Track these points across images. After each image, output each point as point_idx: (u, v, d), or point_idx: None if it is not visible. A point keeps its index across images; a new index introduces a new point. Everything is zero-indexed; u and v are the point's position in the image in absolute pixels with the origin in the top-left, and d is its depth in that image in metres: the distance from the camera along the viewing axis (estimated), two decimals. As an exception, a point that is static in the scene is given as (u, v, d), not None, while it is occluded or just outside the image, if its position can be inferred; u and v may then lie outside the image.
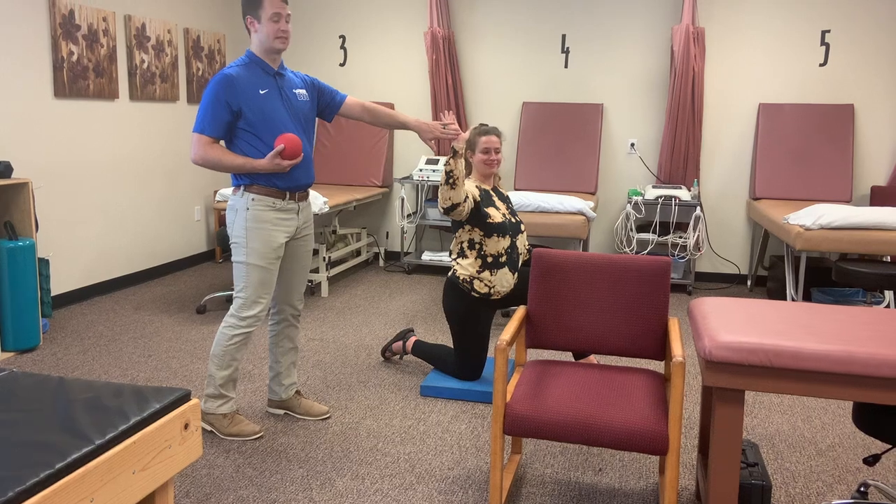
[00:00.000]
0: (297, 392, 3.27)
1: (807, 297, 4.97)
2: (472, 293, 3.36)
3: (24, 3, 4.40)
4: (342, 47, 6.41)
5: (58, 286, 4.75)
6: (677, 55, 5.58)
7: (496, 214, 3.31)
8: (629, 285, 2.67)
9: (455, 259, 3.42)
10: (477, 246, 3.32)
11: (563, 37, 6.03)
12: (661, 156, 5.88)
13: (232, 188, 2.98)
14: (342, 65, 6.43)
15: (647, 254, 5.63)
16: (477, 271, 3.34)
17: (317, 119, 5.93)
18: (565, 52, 6.06)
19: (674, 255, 5.62)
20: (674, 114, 5.70)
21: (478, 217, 3.27)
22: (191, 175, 6.07)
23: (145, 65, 5.45)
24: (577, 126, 6.01)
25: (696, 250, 5.58)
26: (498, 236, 3.30)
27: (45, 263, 4.19)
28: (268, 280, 2.94)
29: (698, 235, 5.56)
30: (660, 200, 5.49)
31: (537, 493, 2.65)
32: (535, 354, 4.05)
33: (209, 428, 3.03)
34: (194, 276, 5.78)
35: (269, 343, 3.21)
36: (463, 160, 3.01)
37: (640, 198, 5.54)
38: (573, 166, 5.94)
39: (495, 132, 3.36)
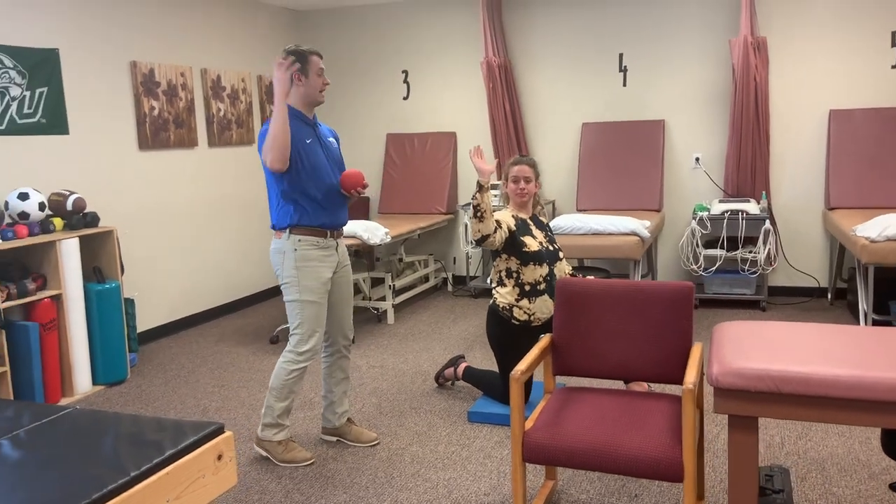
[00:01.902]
0: (349, 420, 3.44)
1: (883, 311, 4.74)
2: (513, 320, 3.44)
3: (108, 66, 4.86)
4: (405, 81, 6.65)
5: (145, 322, 5.16)
6: (737, 67, 5.47)
7: (532, 243, 3.39)
8: (652, 311, 2.69)
9: (495, 287, 3.51)
10: (514, 274, 3.41)
11: (620, 56, 6.03)
12: (726, 169, 5.76)
13: (275, 232, 3.18)
14: (405, 98, 6.67)
15: (716, 270, 5.52)
16: (515, 299, 3.42)
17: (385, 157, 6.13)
18: (623, 70, 6.05)
19: (744, 271, 5.48)
20: (737, 126, 5.58)
21: (513, 246, 3.36)
22: (265, 213, 6.43)
23: (221, 113, 5.86)
24: (639, 144, 5.97)
25: (767, 265, 5.42)
26: (535, 265, 3.38)
27: (130, 303, 4.58)
28: (321, 314, 3.15)
29: (769, 249, 5.40)
30: (726, 215, 5.38)
31: (568, 519, 2.70)
32: (575, 381, 4.07)
33: (265, 454, 3.24)
34: (269, 309, 6.11)
35: (323, 374, 3.40)
36: (489, 194, 3.11)
37: (705, 213, 5.45)
38: (636, 184, 5.90)
39: (527, 162, 3.45)
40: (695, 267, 5.56)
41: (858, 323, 4.73)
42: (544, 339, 2.77)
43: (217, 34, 5.84)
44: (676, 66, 5.88)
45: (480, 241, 3.20)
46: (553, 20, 6.16)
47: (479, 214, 3.11)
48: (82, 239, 4.30)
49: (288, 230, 3.11)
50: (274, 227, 3.17)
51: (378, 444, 3.39)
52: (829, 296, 5.64)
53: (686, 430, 2.24)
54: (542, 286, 3.40)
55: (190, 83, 5.53)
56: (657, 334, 2.68)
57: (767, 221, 5.34)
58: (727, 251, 5.47)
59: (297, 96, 3.10)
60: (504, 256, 3.41)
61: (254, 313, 5.96)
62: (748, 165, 5.66)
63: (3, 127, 4.16)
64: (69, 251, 4.09)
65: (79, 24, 4.65)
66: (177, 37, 5.44)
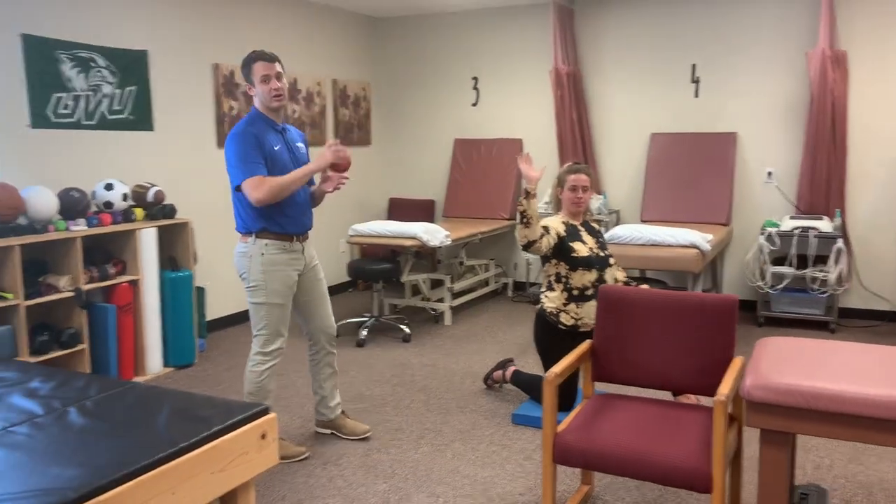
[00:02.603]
0: (343, 413, 3.54)
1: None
2: (560, 325, 3.48)
3: (193, 68, 5.15)
4: (475, 88, 6.75)
5: (215, 311, 5.43)
6: (813, 80, 5.33)
7: (582, 249, 3.42)
8: (694, 322, 2.69)
9: (544, 292, 3.56)
10: (563, 279, 3.45)
11: (693, 66, 5.96)
12: (800, 185, 5.61)
13: (241, 236, 3.20)
14: (474, 105, 6.77)
15: (784, 289, 5.37)
16: (563, 304, 3.46)
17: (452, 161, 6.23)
18: (695, 81, 5.97)
19: (813, 290, 5.32)
20: (812, 141, 5.43)
21: (562, 251, 3.40)
22: (337, 210, 6.65)
23: (296, 115, 6.10)
24: (709, 156, 5.88)
25: (838, 285, 5.24)
26: (583, 270, 3.41)
27: (201, 291, 4.84)
28: (286, 315, 3.24)
29: (841, 269, 5.23)
30: (796, 232, 5.24)
31: (599, 524, 2.72)
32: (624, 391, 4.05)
33: None
34: (334, 304, 6.29)
35: (311, 371, 3.49)
36: (535, 200, 3.17)
37: (774, 229, 5.32)
38: (704, 197, 5.82)
39: (585, 171, 3.48)
40: (761, 284, 5.43)
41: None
42: (584, 345, 2.81)
43: (295, 39, 6.09)
44: (751, 78, 5.77)
45: (527, 247, 3.26)
46: (625, 30, 6.14)
47: (524, 220, 3.18)
48: (160, 229, 4.58)
49: (254, 235, 3.14)
50: (239, 231, 3.20)
51: (369, 435, 3.47)
52: (904, 320, 5.41)
53: (716, 442, 2.24)
54: (591, 291, 3.43)
55: (268, 85, 5.78)
56: (699, 346, 2.68)
57: (840, 240, 5.18)
58: (796, 269, 5.33)
59: (258, 102, 3.14)
60: (553, 261, 3.46)
61: (318, 308, 6.16)
62: (822, 182, 5.49)
63: (94, 122, 4.48)
64: (147, 240, 4.36)
65: (167, 28, 4.95)
66: (257, 41, 5.70)
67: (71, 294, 3.96)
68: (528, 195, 3.15)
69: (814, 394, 2.05)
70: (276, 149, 3.12)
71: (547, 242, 3.30)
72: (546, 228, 3.34)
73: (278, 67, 3.11)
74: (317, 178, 3.36)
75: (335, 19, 6.56)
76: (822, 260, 5.36)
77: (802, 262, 5.38)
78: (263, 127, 3.11)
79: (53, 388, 2.56)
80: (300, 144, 3.31)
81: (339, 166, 3.19)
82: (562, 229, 3.41)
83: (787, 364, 2.22)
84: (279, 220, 3.15)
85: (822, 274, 5.26)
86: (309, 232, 3.34)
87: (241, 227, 3.20)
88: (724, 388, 2.32)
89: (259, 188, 3.00)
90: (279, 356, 3.26)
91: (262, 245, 3.14)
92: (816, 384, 2.07)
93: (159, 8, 4.89)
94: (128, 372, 4.31)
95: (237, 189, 3.10)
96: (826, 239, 5.22)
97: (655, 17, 6.02)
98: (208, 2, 5.25)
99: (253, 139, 3.04)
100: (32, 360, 3.80)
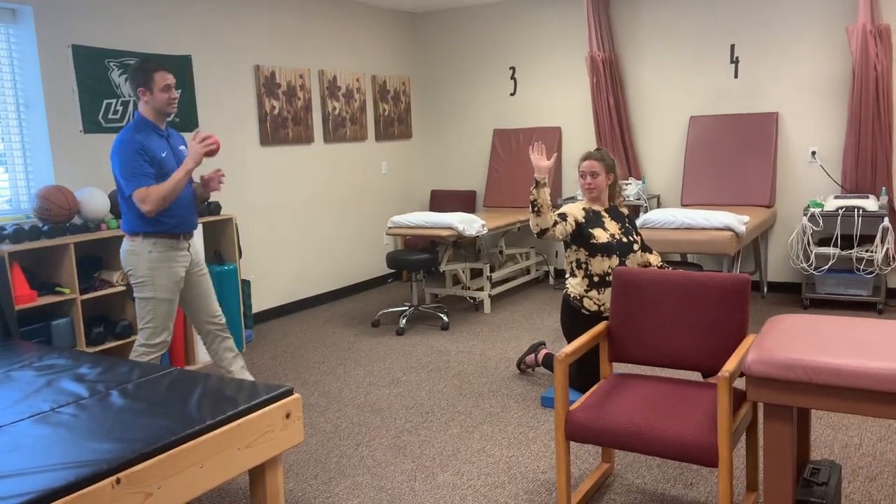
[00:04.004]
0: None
1: None
2: (583, 310, 3.53)
3: (234, 70, 5.37)
4: (512, 78, 6.80)
5: (262, 304, 5.65)
6: (855, 56, 5.20)
7: (602, 235, 3.46)
8: (708, 302, 2.72)
9: (567, 278, 3.62)
10: (583, 265, 3.50)
11: (732, 47, 5.87)
12: (844, 164, 5.48)
13: (128, 236, 3.31)
14: (512, 94, 6.82)
15: (829, 270, 5.28)
16: (585, 290, 3.51)
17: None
18: (734, 62, 5.89)
19: (859, 271, 5.21)
20: (856, 118, 5.30)
21: (581, 237, 3.45)
22: (380, 203, 6.81)
23: (336, 111, 6.28)
24: (750, 137, 5.80)
25: (885, 265, 5.12)
26: (602, 256, 3.45)
27: (247, 284, 5.05)
28: (172, 310, 3.36)
29: (888, 248, 5.10)
30: (840, 212, 5.14)
31: (617, 501, 2.78)
32: (641, 370, 4.07)
33: None
34: (378, 295, 6.48)
35: (215, 361, 3.57)
36: (546, 189, 3.23)
37: (817, 209, 5.23)
38: (745, 179, 5.74)
39: (596, 157, 3.51)
40: (805, 265, 5.34)
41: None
42: (599, 326, 2.86)
43: (335, 37, 6.26)
44: (791, 56, 5.66)
45: (540, 234, 3.33)
46: (661, 12, 6.09)
47: (535, 209, 3.25)
48: (206, 224, 4.80)
49: (141, 235, 3.26)
50: (126, 231, 3.31)
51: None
52: (958, 300, 5.24)
53: (721, 416, 2.28)
54: (610, 277, 3.47)
55: (308, 84, 5.97)
56: (712, 325, 2.70)
57: (886, 219, 5.05)
58: (841, 250, 5.22)
59: (147, 109, 3.26)
60: (574, 247, 3.51)
61: (362, 299, 6.34)
62: (868, 160, 5.36)
63: (142, 126, 4.73)
64: (194, 234, 4.57)
65: (209, 33, 5.18)
66: (297, 41, 5.89)
67: (123, 288, 4.20)
68: (538, 184, 3.21)
69: (814, 368, 2.07)
70: (163, 155, 3.26)
71: (562, 229, 3.36)
72: (563, 216, 3.39)
73: (173, 79, 3.29)
74: (196, 176, 3.48)
75: (374, 17, 6.70)
76: (868, 240, 5.24)
77: (848, 242, 5.27)
78: (148, 133, 3.25)
79: (99, 374, 2.77)
80: (182, 147, 3.44)
81: (213, 153, 3.28)
82: (580, 216, 3.45)
83: (794, 340, 2.24)
84: (165, 220, 3.28)
85: (868, 254, 5.15)
86: (194, 231, 3.46)
87: (127, 227, 3.31)
88: (730, 364, 2.35)
89: (146, 201, 3.15)
90: (163, 349, 3.38)
91: (150, 243, 3.27)
92: (818, 358, 2.08)
93: (201, 13, 5.12)
94: (178, 361, 4.55)
95: (126, 198, 3.24)
96: (872, 218, 5.10)
97: (691, -1, 5.96)
98: (249, 4, 5.46)
99: (139, 148, 3.16)
100: (89, 350, 4.06)
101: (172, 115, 3.39)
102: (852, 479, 2.86)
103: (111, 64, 4.54)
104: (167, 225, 3.30)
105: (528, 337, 4.96)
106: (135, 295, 3.33)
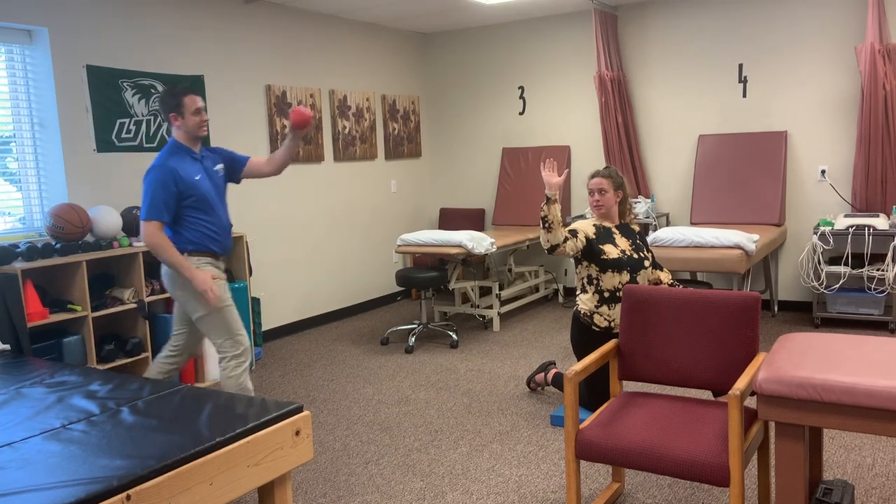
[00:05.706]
0: None
1: None
2: (594, 327, 3.53)
3: (246, 90, 5.43)
4: (521, 97, 6.84)
5: (271, 321, 5.67)
6: (864, 75, 5.21)
7: (612, 251, 3.47)
8: (718, 320, 2.71)
9: (578, 294, 3.62)
10: (594, 281, 3.50)
11: (740, 66, 5.90)
12: (854, 182, 5.48)
13: None
14: (521, 113, 6.86)
15: (840, 289, 5.25)
16: (595, 306, 3.51)
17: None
18: (743, 81, 5.91)
19: (871, 290, 5.18)
20: (866, 137, 5.30)
21: (592, 254, 3.46)
22: (389, 223, 6.83)
23: (346, 130, 6.32)
24: (759, 156, 5.81)
25: (896, 283, 5.09)
26: (613, 272, 3.45)
27: (256, 302, 5.07)
28: (237, 313, 3.36)
29: (899, 267, 5.08)
30: (851, 230, 5.12)
31: (628, 520, 2.76)
32: (651, 388, 4.05)
33: None
34: (387, 313, 6.48)
35: (156, 363, 3.53)
36: (557, 205, 3.24)
37: (827, 228, 5.21)
38: (755, 198, 5.74)
39: (604, 174, 3.53)
40: (816, 284, 5.32)
41: None
42: (609, 344, 2.86)
43: (345, 58, 6.32)
44: (800, 76, 5.67)
45: (551, 251, 3.34)
46: (669, 32, 6.13)
47: (546, 226, 3.26)
48: (216, 243, 4.82)
49: (186, 254, 3.26)
50: None
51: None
52: (972, 319, 5.20)
53: (732, 435, 2.26)
54: (622, 293, 3.46)
55: (318, 103, 6.02)
56: (722, 344, 2.70)
57: (897, 237, 5.03)
58: (852, 269, 5.20)
59: (180, 133, 3.31)
60: (585, 263, 3.52)
61: (371, 317, 6.35)
62: (878, 178, 5.35)
63: (155, 145, 4.78)
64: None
65: (221, 54, 5.24)
66: (308, 61, 5.95)
67: (134, 306, 4.23)
68: (549, 201, 3.23)
69: (826, 386, 2.06)
70: (196, 178, 3.28)
71: (573, 245, 3.36)
72: (573, 232, 3.40)
73: (203, 102, 3.34)
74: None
75: (385, 37, 6.77)
76: (879, 258, 5.22)
77: (859, 261, 5.25)
78: (182, 157, 3.28)
79: (110, 391, 2.79)
80: (219, 167, 3.45)
81: (302, 122, 3.35)
82: (591, 232, 3.46)
83: (805, 358, 2.23)
84: (207, 242, 3.32)
85: (879, 272, 5.12)
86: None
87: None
88: (741, 382, 2.35)
89: (153, 235, 3.16)
90: (249, 352, 3.38)
91: (195, 261, 3.29)
92: (829, 377, 2.07)
93: (214, 34, 5.19)
94: (189, 378, 4.56)
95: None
96: (882, 237, 5.08)
97: (699, 19, 5.99)
98: (259, 26, 5.53)
99: (170, 177, 3.18)
100: (100, 367, 4.08)
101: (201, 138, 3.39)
102: (865, 499, 2.83)
103: (125, 84, 4.60)
104: (207, 246, 3.33)
105: (537, 355, 4.94)
106: (195, 316, 3.31)
